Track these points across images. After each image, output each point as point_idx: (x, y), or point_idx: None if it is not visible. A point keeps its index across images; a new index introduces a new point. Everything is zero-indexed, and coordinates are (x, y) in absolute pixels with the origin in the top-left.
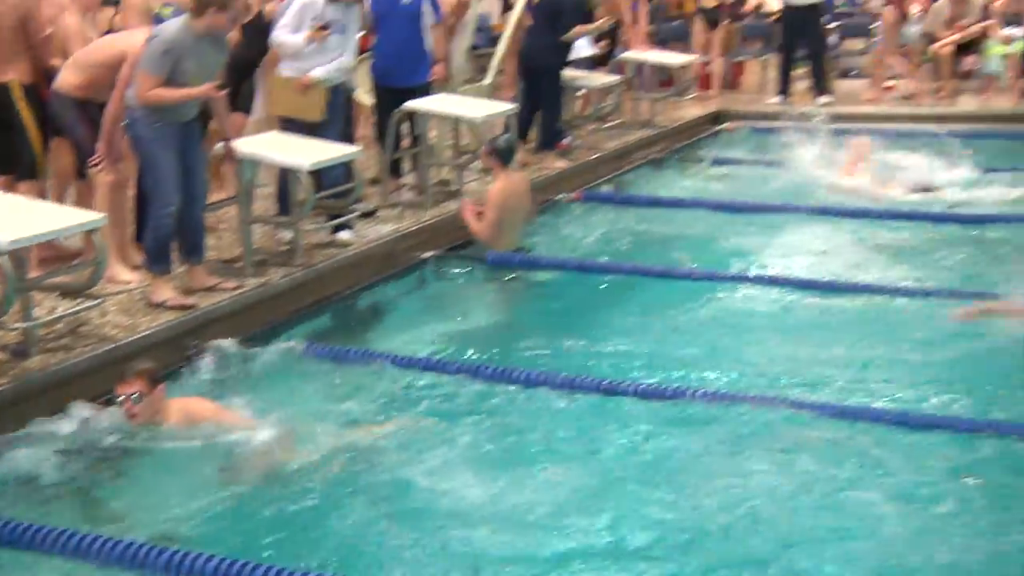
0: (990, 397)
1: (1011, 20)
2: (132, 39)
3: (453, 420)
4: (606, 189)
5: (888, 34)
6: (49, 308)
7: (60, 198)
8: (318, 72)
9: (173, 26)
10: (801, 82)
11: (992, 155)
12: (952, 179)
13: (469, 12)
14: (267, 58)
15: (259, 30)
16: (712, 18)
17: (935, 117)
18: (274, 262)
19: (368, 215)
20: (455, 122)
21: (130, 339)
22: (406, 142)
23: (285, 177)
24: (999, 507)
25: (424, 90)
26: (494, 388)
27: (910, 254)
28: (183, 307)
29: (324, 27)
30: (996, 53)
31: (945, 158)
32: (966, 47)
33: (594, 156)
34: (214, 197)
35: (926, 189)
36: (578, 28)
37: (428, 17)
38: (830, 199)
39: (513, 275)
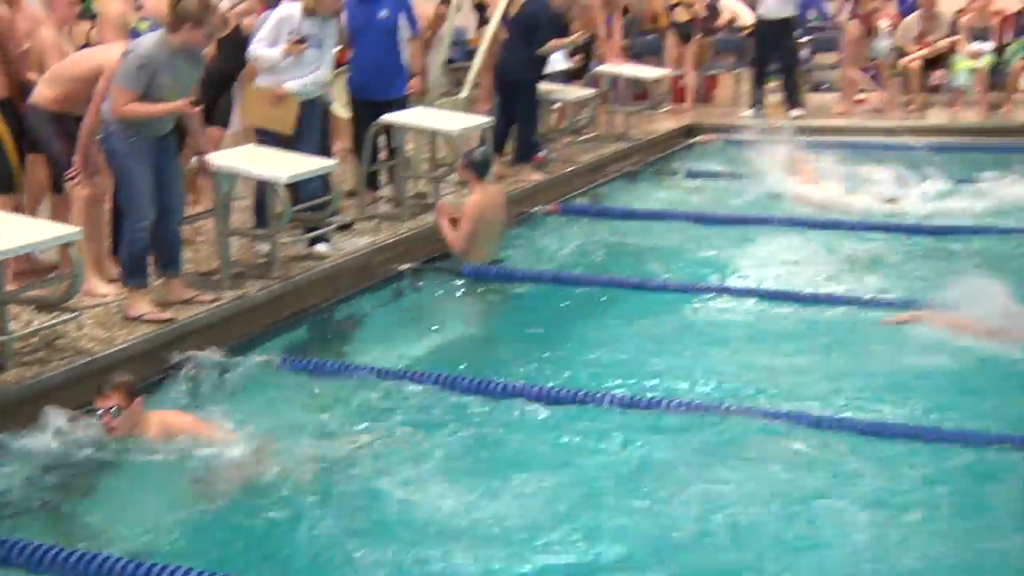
0: (961, 407)
1: (978, 35)
2: (109, 53)
3: (429, 432)
4: (582, 201)
5: (850, 48)
6: (25, 321)
7: (34, 211)
8: (292, 85)
9: (149, 41)
10: (773, 95)
11: (960, 167)
12: (920, 191)
13: (445, 26)
14: (244, 72)
15: (236, 44)
16: (684, 32)
17: (905, 130)
18: (251, 275)
19: (345, 228)
20: (432, 135)
21: (107, 352)
22: (383, 155)
23: (262, 190)
24: (970, 516)
25: (401, 103)
26: (470, 400)
27: (880, 265)
28: (160, 321)
29: (301, 41)
30: (964, 68)
31: (913, 170)
32: (935, 61)
33: (569, 169)
34: (191, 210)
35: (893, 200)
36: (553, 42)
37: (404, 31)
38: (801, 211)
39: (489, 287)
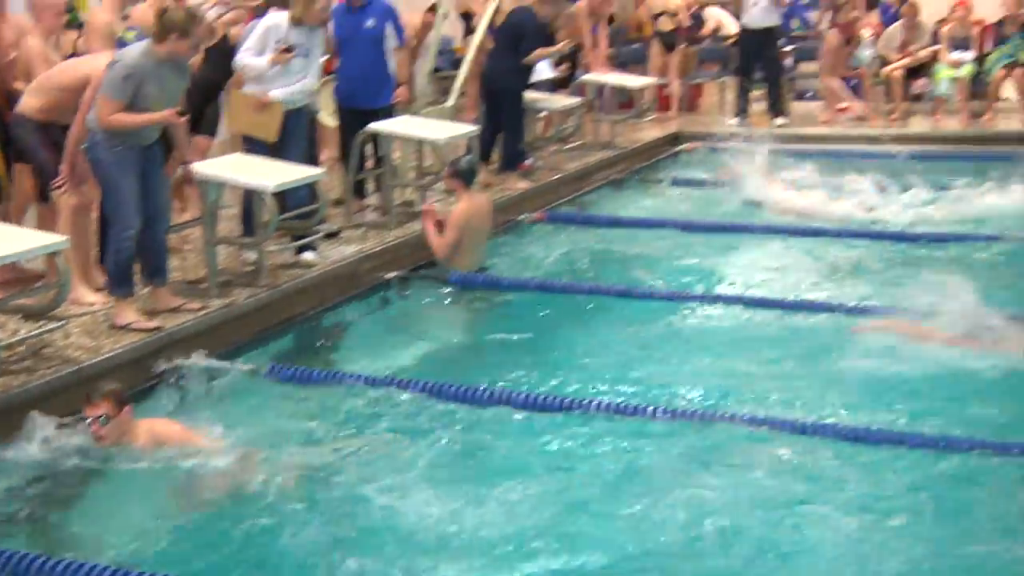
0: (942, 412)
1: (959, 45)
2: (96, 62)
3: (415, 440)
4: (568, 209)
5: (828, 57)
6: (12, 330)
7: (20, 221)
8: (277, 93)
9: (135, 51)
10: (758, 104)
11: (941, 175)
12: (901, 199)
13: (431, 35)
14: (231, 80)
15: (224, 53)
16: (668, 42)
17: (887, 138)
18: (239, 283)
19: (332, 236)
20: (418, 144)
21: (93, 361)
22: (370, 163)
23: (250, 198)
24: (952, 521)
25: (388, 112)
26: (456, 407)
27: (862, 272)
28: (147, 330)
29: (288, 49)
30: (945, 76)
31: (895, 178)
32: (916, 70)
33: (556, 177)
34: (178, 219)
35: (872, 209)
36: (539, 51)
37: (391, 40)
38: (784, 219)
39: (476, 295)
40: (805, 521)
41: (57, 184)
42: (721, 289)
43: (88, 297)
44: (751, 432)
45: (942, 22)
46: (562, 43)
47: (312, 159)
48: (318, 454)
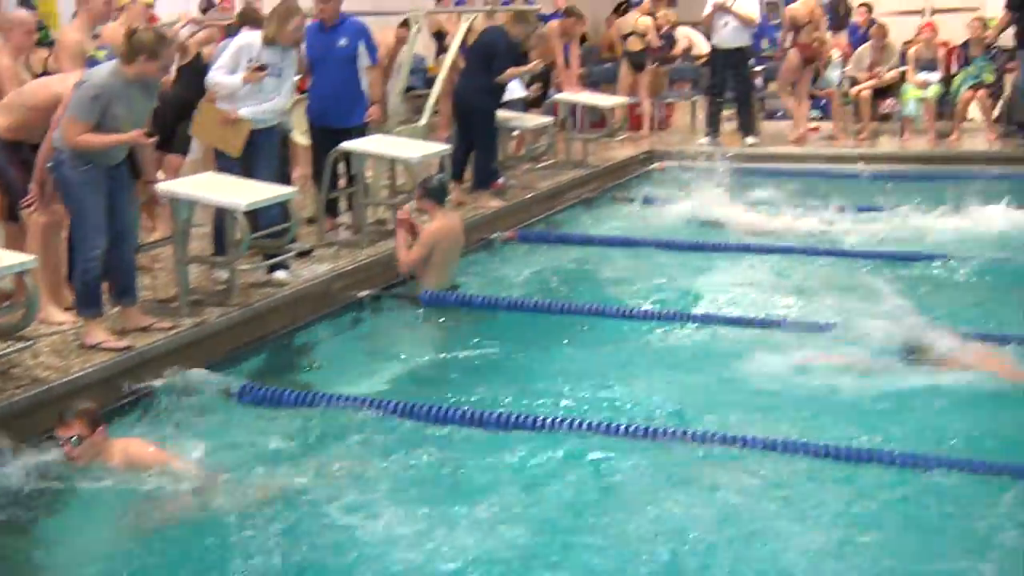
0: (919, 431)
1: (926, 66)
2: (67, 82)
3: (385, 460)
4: (540, 228)
5: (786, 76)
6: None
7: None
8: (246, 111)
9: (103, 71)
10: (729, 123)
11: (907, 194)
12: (866, 216)
13: (403, 53)
14: (204, 99)
15: (196, 71)
16: (637, 61)
17: (855, 157)
18: (210, 302)
19: (304, 254)
20: (391, 162)
21: (63, 380)
22: (342, 182)
23: (221, 217)
24: (924, 539)
25: (360, 131)
26: (427, 427)
27: (828, 289)
28: (117, 349)
29: (261, 67)
30: (912, 97)
31: (861, 197)
32: (884, 91)
33: (528, 195)
34: (149, 238)
35: (832, 224)
36: (511, 70)
37: (364, 59)
38: (755, 236)
39: (447, 314)
40: (777, 540)
41: (26, 203)
42: (693, 308)
43: (57, 316)
44: (724, 450)
45: (909, 43)
46: (534, 62)
47: (284, 178)
48: (288, 475)
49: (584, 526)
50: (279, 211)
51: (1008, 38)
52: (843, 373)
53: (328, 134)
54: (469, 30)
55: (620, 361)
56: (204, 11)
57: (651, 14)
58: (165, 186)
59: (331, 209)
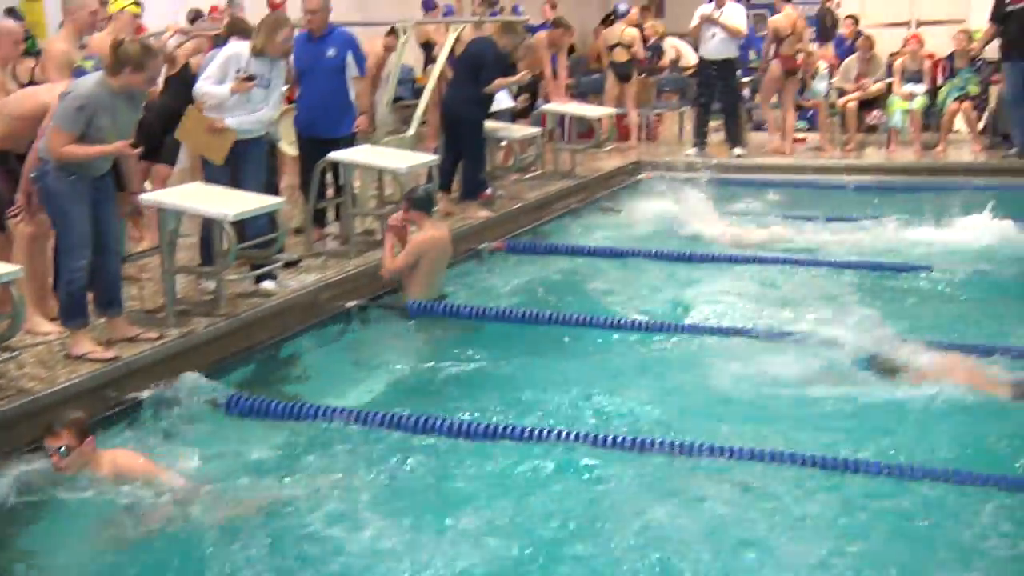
0: (903, 442)
1: (911, 78)
2: (54, 91)
3: (371, 471)
4: (528, 238)
5: (768, 87)
6: None
7: None
8: (231, 121)
9: (89, 82)
10: (716, 134)
11: (892, 205)
12: (854, 227)
13: (390, 62)
14: (191, 109)
15: (184, 82)
16: (623, 73)
17: (842, 169)
18: (197, 312)
19: (292, 265)
20: (379, 173)
21: (49, 391)
22: (330, 192)
23: (208, 227)
24: (912, 550)
25: (348, 141)
26: (415, 438)
27: (813, 299)
28: (103, 360)
29: (250, 78)
30: (898, 108)
31: (848, 207)
32: (871, 102)
33: (516, 206)
34: (136, 248)
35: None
36: (499, 80)
37: (352, 69)
38: (741, 247)
39: (435, 324)
40: (764, 550)
41: (12, 213)
42: (680, 318)
43: (43, 327)
44: (711, 461)
45: (895, 55)
46: (522, 73)
47: (272, 188)
48: (274, 486)
49: (571, 537)
50: (266, 221)
51: (993, 50)
52: (830, 384)
53: (316, 144)
54: (457, 40)
55: (607, 372)
56: (192, 21)
57: (638, 25)
58: (152, 196)
59: (319, 219)
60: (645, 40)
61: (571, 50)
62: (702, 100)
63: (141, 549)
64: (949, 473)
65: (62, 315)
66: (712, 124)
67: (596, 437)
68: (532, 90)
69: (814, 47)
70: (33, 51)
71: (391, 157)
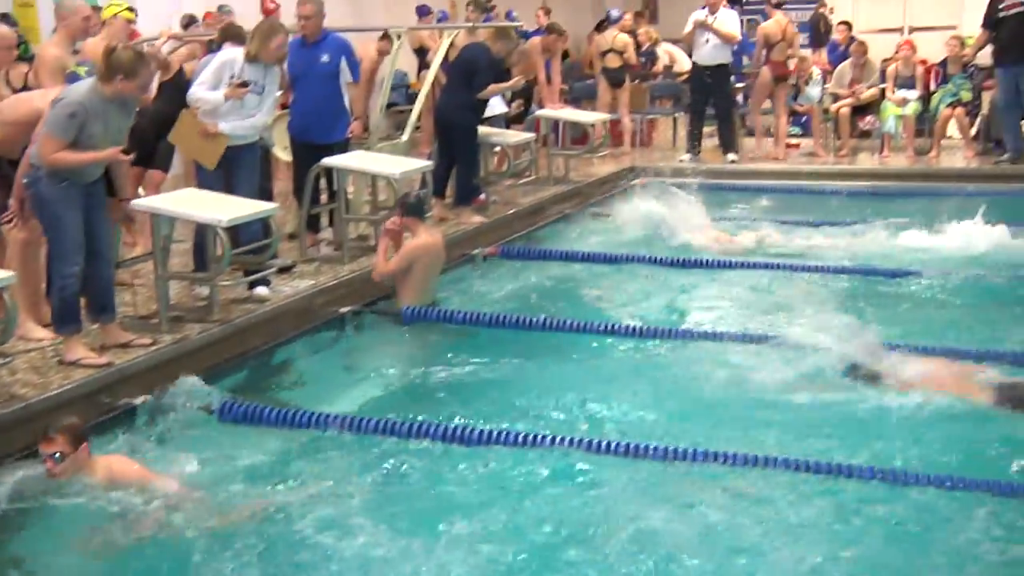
0: (895, 448)
1: (904, 83)
2: (47, 97)
3: (364, 477)
4: (522, 244)
5: (758, 92)
6: None
7: None
8: (224, 127)
9: (81, 89)
10: (710, 140)
11: (885, 210)
12: (847, 232)
13: (384, 68)
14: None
15: (178, 87)
16: (615, 78)
17: (835, 174)
18: (190, 318)
19: (285, 270)
20: (373, 178)
21: (42, 397)
22: (324, 198)
23: (202, 233)
24: (906, 555)
25: (342, 147)
26: (408, 443)
27: (806, 305)
28: (97, 366)
29: (244, 84)
30: (892, 114)
31: (840, 213)
32: (864, 108)
33: (510, 211)
34: (129, 253)
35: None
36: (493, 86)
37: (346, 75)
38: (734, 253)
39: (429, 330)
40: (758, 555)
41: (6, 219)
42: (674, 323)
43: (36, 333)
44: (705, 466)
45: (887, 61)
46: (516, 79)
47: (265, 193)
48: (268, 492)
49: (564, 543)
50: (260, 227)
51: (985, 56)
52: (823, 390)
53: (310, 150)
54: (451, 46)
55: (601, 377)
56: (186, 27)
57: (631, 31)
58: (146, 202)
59: (312, 225)
60: (639, 46)
61: (565, 56)
62: (696, 106)
63: (134, 555)
64: (942, 478)
65: (55, 321)
66: (706, 130)
67: (590, 442)
68: (526, 96)
69: (807, 53)
70: (26, 56)
71: (385, 162)
